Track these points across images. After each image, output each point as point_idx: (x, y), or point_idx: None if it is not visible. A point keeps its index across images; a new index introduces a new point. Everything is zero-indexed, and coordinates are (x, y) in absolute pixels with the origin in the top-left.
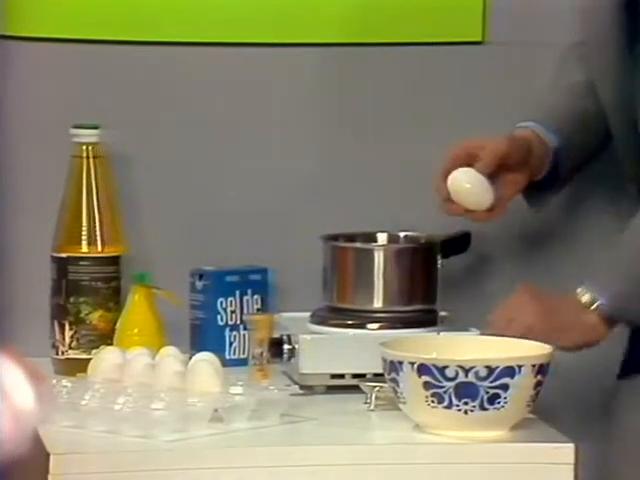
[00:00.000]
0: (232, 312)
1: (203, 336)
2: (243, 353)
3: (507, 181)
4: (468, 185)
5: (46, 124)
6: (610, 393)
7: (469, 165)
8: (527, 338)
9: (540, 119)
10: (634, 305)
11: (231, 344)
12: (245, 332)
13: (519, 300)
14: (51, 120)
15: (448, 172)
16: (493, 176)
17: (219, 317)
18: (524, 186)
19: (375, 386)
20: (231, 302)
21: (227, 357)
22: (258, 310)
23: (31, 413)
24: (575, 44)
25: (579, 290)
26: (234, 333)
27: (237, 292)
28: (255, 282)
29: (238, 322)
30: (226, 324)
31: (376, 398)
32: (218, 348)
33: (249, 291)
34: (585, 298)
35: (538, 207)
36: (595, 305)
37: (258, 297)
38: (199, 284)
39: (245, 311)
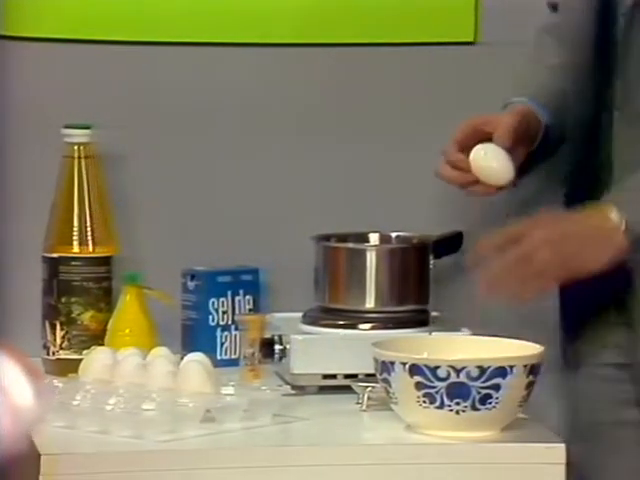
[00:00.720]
0: (224, 312)
1: (195, 336)
2: (234, 353)
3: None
4: (494, 162)
5: (37, 124)
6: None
7: (480, 142)
8: (540, 255)
9: (530, 96)
10: None
11: (222, 344)
12: (237, 332)
13: (536, 218)
14: (42, 120)
15: (462, 147)
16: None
17: (211, 317)
18: (522, 159)
19: (367, 386)
20: (223, 302)
21: (218, 357)
22: (250, 310)
23: (29, 410)
24: (551, 25)
25: (606, 207)
26: (225, 333)
27: (229, 292)
28: (247, 282)
29: (230, 322)
30: (218, 324)
31: (368, 398)
32: (209, 348)
33: (241, 291)
34: (613, 215)
35: (519, 180)
36: (623, 223)
37: (250, 297)
38: (191, 284)
39: (237, 311)
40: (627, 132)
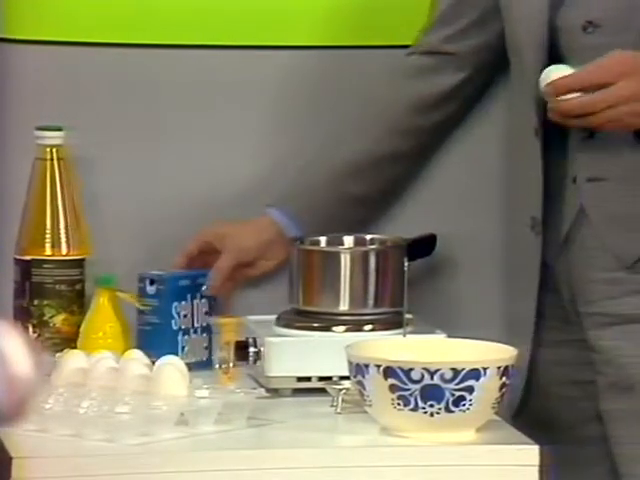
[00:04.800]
0: (185, 316)
1: (156, 341)
2: (195, 357)
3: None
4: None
5: (9, 125)
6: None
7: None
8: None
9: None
10: None
11: (183, 348)
12: (196, 336)
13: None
14: (15, 121)
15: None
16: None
17: (173, 322)
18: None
19: (341, 389)
20: (185, 306)
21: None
22: (206, 313)
23: (28, 379)
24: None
25: None
26: (186, 337)
27: (189, 296)
28: (203, 286)
29: (190, 326)
30: (180, 328)
31: (342, 401)
32: (171, 353)
33: (198, 295)
34: None
35: None
36: None
37: (206, 301)
38: (151, 289)
39: (196, 315)
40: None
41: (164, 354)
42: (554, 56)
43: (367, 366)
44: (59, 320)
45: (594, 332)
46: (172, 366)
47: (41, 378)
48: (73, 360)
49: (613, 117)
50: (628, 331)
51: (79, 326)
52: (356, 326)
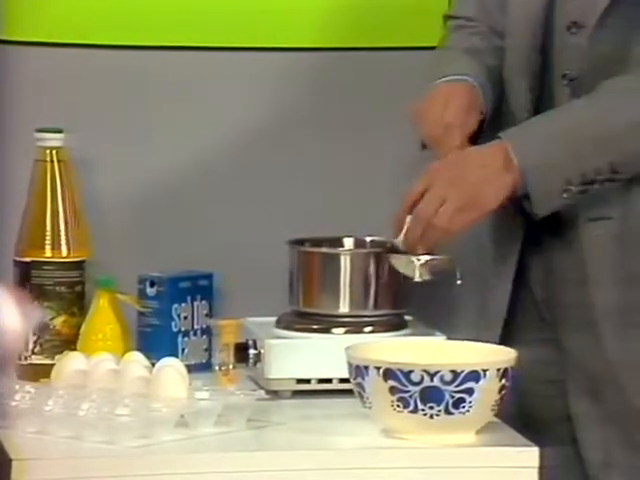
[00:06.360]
0: (185, 318)
1: (156, 343)
2: (195, 359)
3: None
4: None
5: (9, 127)
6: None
7: None
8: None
9: (473, 75)
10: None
11: (183, 350)
12: (195, 338)
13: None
14: (15, 123)
15: None
16: None
17: (173, 324)
18: (475, 128)
19: (418, 258)
20: (184, 308)
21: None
22: (206, 315)
23: (14, 331)
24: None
25: (504, 141)
26: (186, 339)
27: (189, 298)
28: (203, 287)
29: (190, 328)
30: (179, 330)
31: (420, 272)
32: (170, 355)
33: (198, 296)
34: (510, 149)
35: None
36: (516, 160)
37: (206, 302)
38: (151, 291)
39: (195, 317)
40: None
41: (164, 356)
42: (542, 54)
43: (367, 368)
44: (59, 322)
45: (564, 333)
46: (172, 368)
47: (28, 331)
48: (73, 362)
49: (443, 226)
50: (594, 334)
51: (79, 328)
52: (356, 328)
